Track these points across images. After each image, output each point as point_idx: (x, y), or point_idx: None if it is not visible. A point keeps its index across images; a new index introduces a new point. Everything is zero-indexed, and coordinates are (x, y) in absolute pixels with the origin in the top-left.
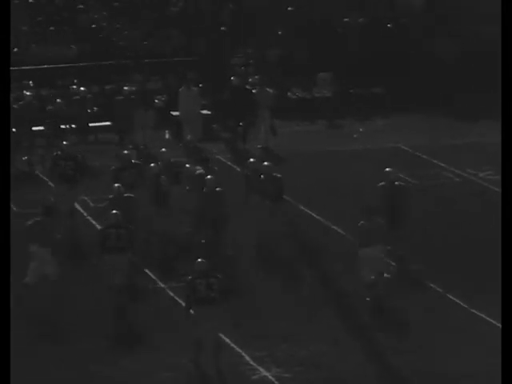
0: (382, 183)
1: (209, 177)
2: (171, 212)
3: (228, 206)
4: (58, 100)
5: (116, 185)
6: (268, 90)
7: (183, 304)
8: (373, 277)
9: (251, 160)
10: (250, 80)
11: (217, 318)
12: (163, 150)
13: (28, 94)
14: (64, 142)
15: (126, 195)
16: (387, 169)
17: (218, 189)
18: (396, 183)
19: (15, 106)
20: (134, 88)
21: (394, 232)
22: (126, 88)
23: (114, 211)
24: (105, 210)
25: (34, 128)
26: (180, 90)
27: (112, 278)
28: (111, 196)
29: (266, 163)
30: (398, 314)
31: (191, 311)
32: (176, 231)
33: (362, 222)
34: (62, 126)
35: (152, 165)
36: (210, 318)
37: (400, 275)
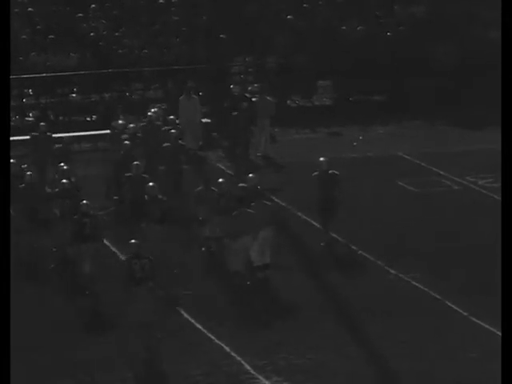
0: (316, 173)
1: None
2: None
3: None
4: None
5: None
6: (268, 98)
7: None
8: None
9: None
10: (250, 88)
11: (149, 298)
12: None
13: None
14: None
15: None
16: (321, 158)
17: None
18: (330, 172)
19: None
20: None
21: (328, 221)
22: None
23: (134, 241)
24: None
25: None
26: (180, 98)
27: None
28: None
29: (150, 184)
30: None
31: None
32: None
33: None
34: None
35: None
36: (143, 299)
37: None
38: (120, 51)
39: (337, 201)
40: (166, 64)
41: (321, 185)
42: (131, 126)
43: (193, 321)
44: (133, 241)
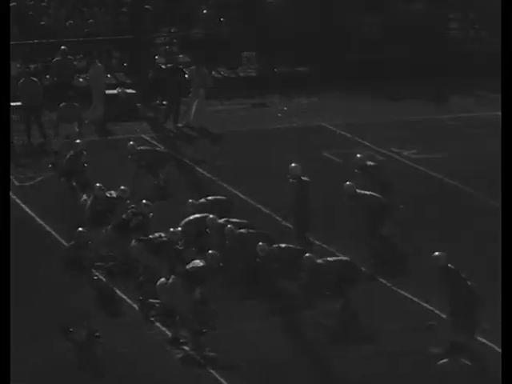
0: (293, 180)
1: None
2: None
3: None
4: None
5: None
6: (204, 69)
7: None
8: None
9: (131, 143)
10: (177, 59)
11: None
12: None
13: None
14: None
15: None
16: (293, 164)
17: None
18: (303, 179)
19: None
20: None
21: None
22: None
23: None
24: None
25: None
26: (90, 67)
27: None
28: None
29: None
30: None
31: None
32: None
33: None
34: None
35: None
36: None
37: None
38: (43, 22)
39: (310, 209)
40: (90, 35)
41: (295, 192)
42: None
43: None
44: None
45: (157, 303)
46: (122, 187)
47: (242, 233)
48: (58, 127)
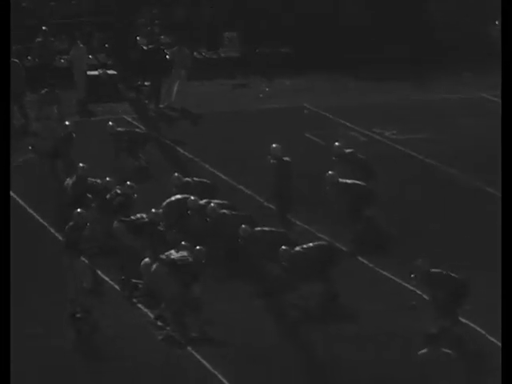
0: (274, 161)
1: None
2: None
3: None
4: None
5: None
6: (186, 49)
7: None
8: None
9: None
10: (159, 40)
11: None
12: None
13: None
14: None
15: None
16: (274, 145)
17: None
18: (284, 159)
19: None
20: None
21: (286, 209)
22: None
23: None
24: None
25: None
26: (71, 49)
27: None
28: None
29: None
30: None
31: None
32: None
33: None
34: None
35: None
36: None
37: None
38: (24, 4)
39: (292, 189)
40: (72, 16)
41: (277, 173)
42: None
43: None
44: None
45: (139, 283)
46: (128, 183)
47: (224, 213)
48: (39, 110)
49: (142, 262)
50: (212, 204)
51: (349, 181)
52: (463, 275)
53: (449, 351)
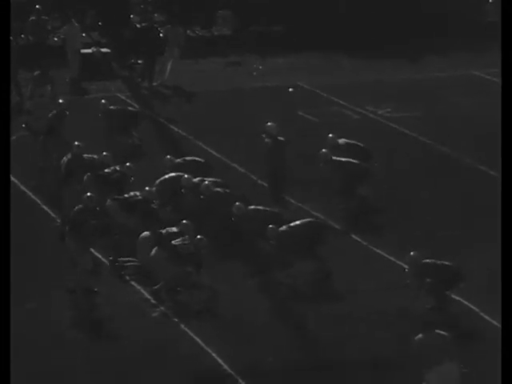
0: (268, 140)
1: None
2: None
3: None
4: None
5: None
6: (179, 28)
7: None
8: None
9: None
10: (152, 18)
11: None
12: None
13: None
14: None
15: None
16: (269, 123)
17: None
18: (279, 138)
19: None
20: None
21: (279, 188)
22: None
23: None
24: None
25: None
26: (64, 27)
27: None
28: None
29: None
30: None
31: None
32: None
33: None
34: None
35: None
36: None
37: None
38: None
39: (286, 168)
40: None
41: (271, 152)
42: None
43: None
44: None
45: (130, 261)
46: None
47: (218, 191)
48: (33, 89)
49: (140, 238)
50: (206, 182)
51: (343, 159)
52: (456, 263)
53: (444, 333)
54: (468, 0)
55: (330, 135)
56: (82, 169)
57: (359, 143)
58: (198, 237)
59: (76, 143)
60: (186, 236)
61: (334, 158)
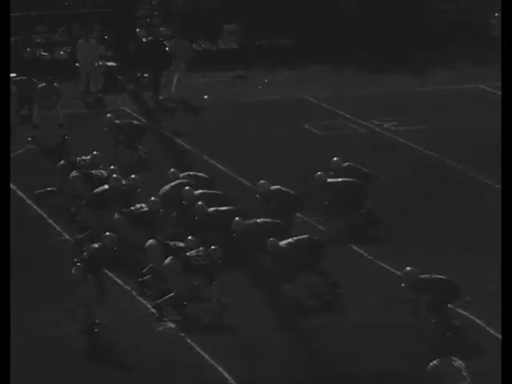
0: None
1: None
2: None
3: None
4: None
5: None
6: (186, 42)
7: None
8: None
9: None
10: (158, 32)
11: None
12: None
13: None
14: None
15: None
16: (261, 181)
17: None
18: (272, 188)
19: None
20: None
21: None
22: None
23: None
24: None
25: None
26: (78, 41)
27: None
28: None
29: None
30: None
31: None
32: None
33: None
34: None
35: None
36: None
37: None
38: None
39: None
40: (71, 7)
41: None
42: None
43: None
44: None
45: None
46: (133, 176)
47: (210, 212)
48: (39, 102)
49: (148, 245)
50: (199, 203)
51: (338, 180)
52: (453, 278)
53: (459, 360)
54: (474, 13)
55: (335, 159)
56: (115, 200)
57: (364, 168)
58: (212, 247)
59: (114, 176)
60: (201, 248)
61: (328, 180)
